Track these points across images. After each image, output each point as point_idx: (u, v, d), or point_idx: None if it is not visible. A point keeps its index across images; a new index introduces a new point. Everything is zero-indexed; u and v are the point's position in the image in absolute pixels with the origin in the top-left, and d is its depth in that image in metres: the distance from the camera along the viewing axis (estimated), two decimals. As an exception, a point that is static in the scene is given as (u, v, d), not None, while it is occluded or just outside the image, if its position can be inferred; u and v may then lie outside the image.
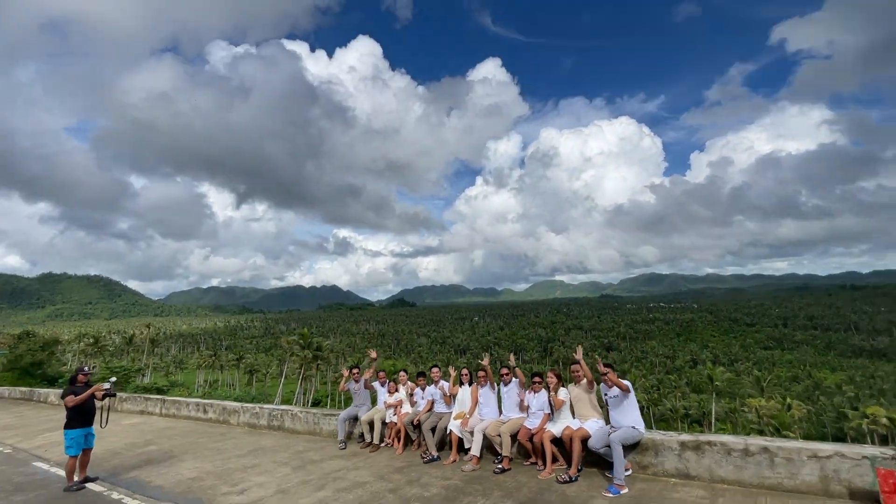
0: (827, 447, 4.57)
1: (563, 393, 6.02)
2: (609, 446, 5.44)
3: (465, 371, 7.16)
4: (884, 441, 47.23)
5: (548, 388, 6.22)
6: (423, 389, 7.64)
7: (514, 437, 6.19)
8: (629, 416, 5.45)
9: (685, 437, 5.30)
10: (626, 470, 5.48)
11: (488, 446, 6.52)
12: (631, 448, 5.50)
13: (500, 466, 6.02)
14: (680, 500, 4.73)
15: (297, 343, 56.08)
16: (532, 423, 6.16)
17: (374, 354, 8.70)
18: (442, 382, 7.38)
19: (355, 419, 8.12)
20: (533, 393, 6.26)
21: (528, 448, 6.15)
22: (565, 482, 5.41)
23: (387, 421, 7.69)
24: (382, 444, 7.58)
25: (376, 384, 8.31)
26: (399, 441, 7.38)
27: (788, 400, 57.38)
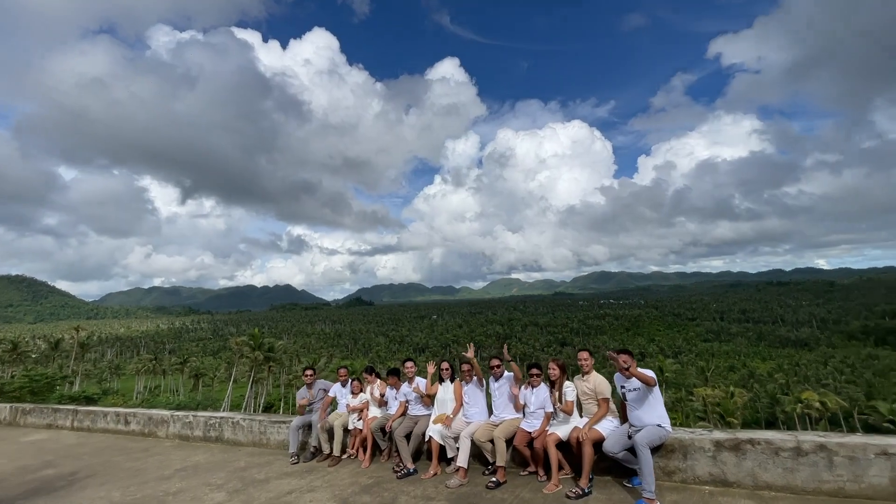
0: (889, 441, 3.81)
1: (569, 390, 4.97)
2: (629, 450, 4.48)
3: (445, 365, 5.97)
4: (817, 424, 50.70)
5: (550, 383, 5.17)
6: (395, 389, 6.40)
7: (509, 442, 5.09)
8: (654, 413, 4.48)
9: (720, 434, 4.40)
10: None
11: (477, 454, 5.39)
12: (654, 451, 4.55)
13: (493, 479, 4.89)
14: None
15: (247, 344, 52.57)
16: (531, 424, 5.09)
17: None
18: (418, 380, 6.17)
19: (310, 427, 6.75)
20: (531, 388, 5.19)
21: (525, 455, 5.06)
22: (578, 496, 4.37)
23: (349, 428, 6.38)
24: (345, 456, 6.26)
25: (335, 385, 7.00)
26: (365, 452, 6.10)
27: (731, 388, 60.57)
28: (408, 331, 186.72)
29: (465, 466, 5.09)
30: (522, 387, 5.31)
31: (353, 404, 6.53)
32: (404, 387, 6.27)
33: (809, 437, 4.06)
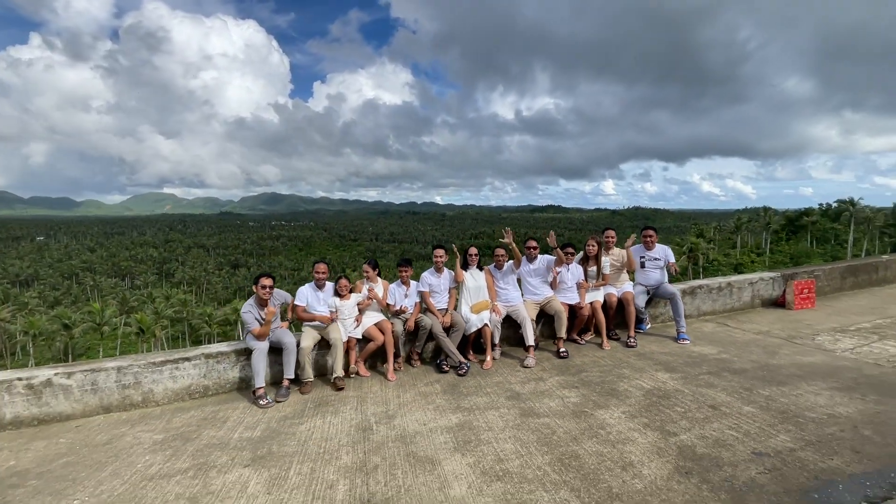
0: (755, 276, 6.60)
1: (607, 264, 5.58)
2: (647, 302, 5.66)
3: (474, 251, 5.28)
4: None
5: (585, 257, 5.60)
6: (404, 284, 5.10)
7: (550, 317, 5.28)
8: (664, 275, 5.77)
9: (681, 286, 6.20)
10: (647, 323, 5.89)
11: (504, 337, 5.31)
12: (649, 304, 5.93)
13: (563, 350, 5.04)
14: (707, 331, 5.63)
15: None
16: (568, 298, 5.43)
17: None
18: (446, 271, 5.19)
19: (279, 352, 4.51)
20: (566, 266, 5.46)
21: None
22: (634, 346, 5.24)
23: (342, 339, 4.70)
24: (343, 378, 4.63)
25: (305, 290, 4.86)
26: (390, 363, 4.74)
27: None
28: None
29: (535, 344, 4.96)
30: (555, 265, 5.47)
31: (345, 306, 4.78)
32: (430, 276, 5.13)
33: (724, 279, 6.43)
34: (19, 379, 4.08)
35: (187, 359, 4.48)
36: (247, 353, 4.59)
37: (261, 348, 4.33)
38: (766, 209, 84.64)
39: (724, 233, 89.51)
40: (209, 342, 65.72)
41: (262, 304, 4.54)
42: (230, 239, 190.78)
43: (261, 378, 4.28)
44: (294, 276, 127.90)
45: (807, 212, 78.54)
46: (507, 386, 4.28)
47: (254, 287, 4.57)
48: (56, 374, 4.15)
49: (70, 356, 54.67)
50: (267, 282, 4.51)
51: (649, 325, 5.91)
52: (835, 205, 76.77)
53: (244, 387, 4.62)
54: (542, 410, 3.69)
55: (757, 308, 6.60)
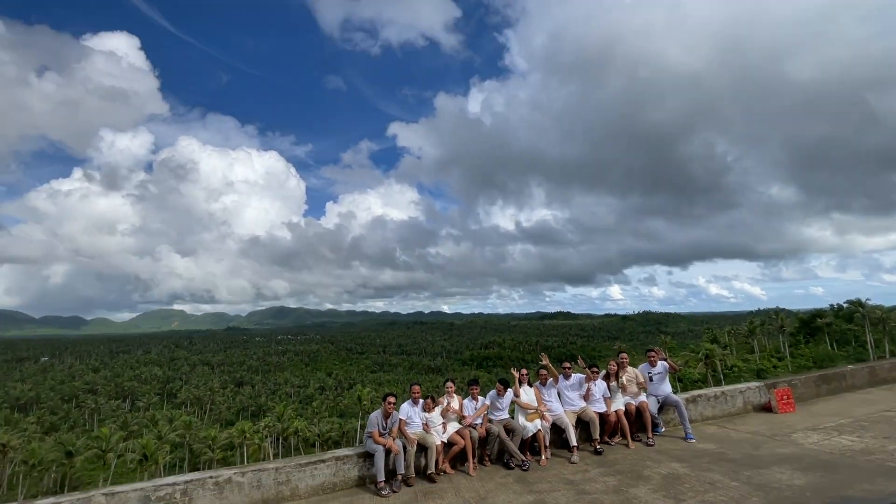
0: (743, 386, 8.27)
1: (623, 378, 7.38)
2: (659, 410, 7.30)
3: (524, 371, 7.14)
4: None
5: (606, 374, 7.40)
6: (474, 400, 6.87)
7: (583, 422, 6.93)
8: (669, 386, 7.50)
9: (685, 395, 7.86)
10: (662, 426, 7.44)
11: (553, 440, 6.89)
12: (660, 410, 7.56)
13: (598, 448, 6.60)
14: (709, 432, 7.16)
15: None
16: (597, 406, 7.11)
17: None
18: (508, 391, 7.02)
19: (386, 453, 6.13)
20: (593, 382, 7.24)
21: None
22: (653, 445, 6.78)
23: (436, 443, 6.34)
24: (438, 474, 6.16)
25: (405, 406, 6.63)
26: (462, 463, 6.30)
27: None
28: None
29: (577, 444, 6.55)
30: (585, 381, 7.25)
31: (433, 418, 6.50)
32: (495, 395, 6.92)
33: (719, 389, 8.10)
34: (210, 478, 5.70)
35: (323, 461, 6.10)
36: (365, 455, 6.21)
37: (381, 451, 5.98)
38: (777, 311, 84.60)
39: (738, 337, 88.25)
40: (209, 468, 62.21)
41: (387, 416, 6.29)
42: (236, 355, 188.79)
43: (382, 473, 5.85)
44: (300, 394, 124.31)
45: (819, 313, 77.95)
46: (562, 476, 5.82)
47: (382, 401, 6.36)
48: (235, 474, 5.77)
49: (66, 488, 51.72)
50: (392, 399, 6.33)
51: (664, 428, 7.45)
52: (846, 305, 76.66)
53: (362, 483, 6.14)
54: (591, 490, 5.24)
55: (749, 412, 8.13)
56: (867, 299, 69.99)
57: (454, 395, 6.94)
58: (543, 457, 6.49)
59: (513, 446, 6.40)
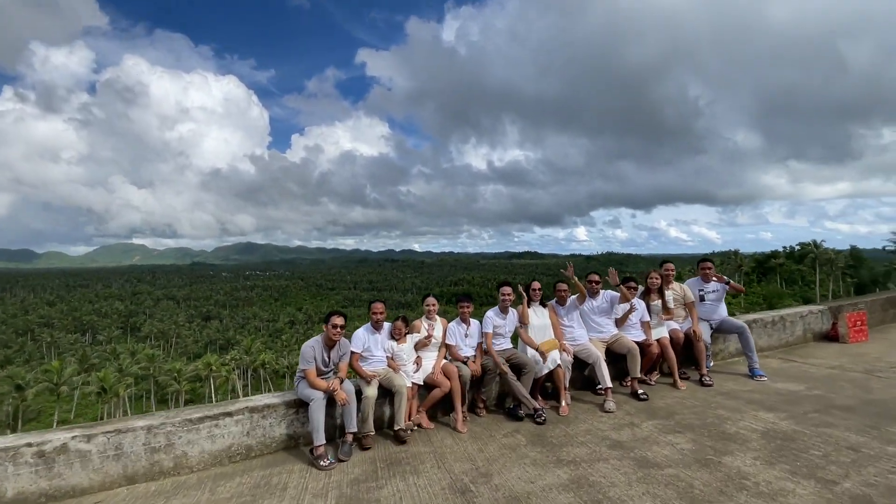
0: (803, 309, 6.44)
1: (672, 298, 5.32)
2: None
3: (537, 286, 4.94)
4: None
5: (646, 291, 5.32)
6: (464, 323, 4.67)
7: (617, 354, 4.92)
8: (725, 309, 5.54)
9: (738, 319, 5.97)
10: (710, 360, 5.57)
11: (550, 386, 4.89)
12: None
13: (641, 392, 4.64)
14: (775, 367, 5.35)
15: None
16: (633, 334, 5.08)
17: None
18: (511, 312, 4.82)
19: (334, 403, 3.92)
20: (631, 302, 5.15)
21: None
22: (711, 385, 4.89)
23: (406, 385, 4.18)
24: (409, 431, 4.06)
25: (361, 333, 4.37)
26: (459, 413, 4.21)
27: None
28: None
29: (611, 385, 4.54)
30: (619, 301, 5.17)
31: (403, 350, 4.30)
32: (494, 315, 4.72)
33: (776, 313, 6.24)
34: (28, 445, 3.38)
35: (229, 414, 3.86)
36: (297, 405, 4.01)
37: (319, 399, 3.77)
38: (736, 252, 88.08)
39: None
40: (177, 401, 61.19)
41: (330, 345, 4.03)
42: (202, 290, 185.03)
43: (321, 434, 3.69)
44: (269, 328, 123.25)
45: (774, 254, 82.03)
46: (601, 433, 3.82)
47: (323, 326, 4.06)
48: (74, 438, 3.47)
49: (20, 422, 49.75)
50: (339, 321, 4.02)
51: (712, 363, 5.59)
52: (798, 248, 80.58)
53: (292, 445, 3.99)
54: (659, 460, 3.24)
55: (810, 342, 6.40)
56: (822, 241, 73.42)
57: (437, 317, 4.70)
58: (564, 402, 4.48)
59: (522, 389, 4.32)
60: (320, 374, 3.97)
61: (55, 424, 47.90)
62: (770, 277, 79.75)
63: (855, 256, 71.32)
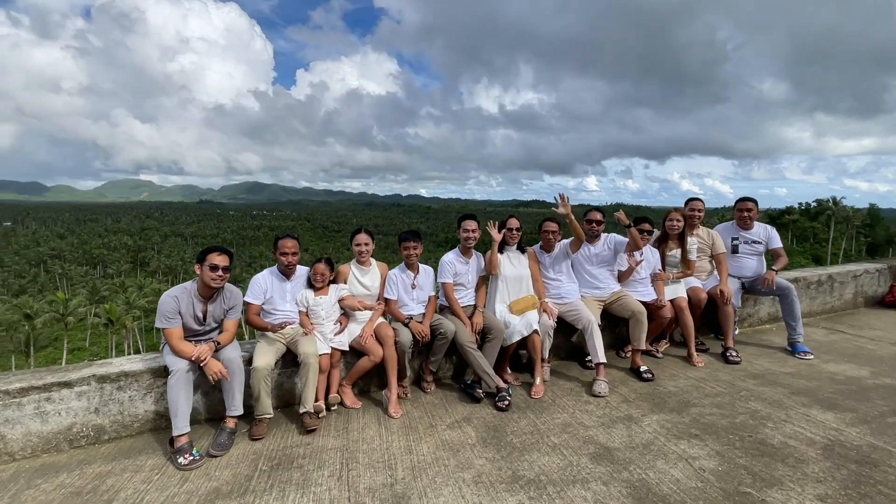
0: (857, 267, 5.15)
1: (694, 248, 3.99)
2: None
3: (516, 224, 3.65)
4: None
5: (679, 238, 4.00)
6: (410, 270, 3.45)
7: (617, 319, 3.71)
8: (763, 264, 4.25)
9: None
10: (736, 327, 4.37)
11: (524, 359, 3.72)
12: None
13: (644, 369, 3.48)
14: (819, 339, 4.14)
15: None
16: (641, 292, 3.85)
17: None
18: (475, 255, 3.57)
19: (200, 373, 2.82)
20: (639, 252, 3.86)
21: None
22: (738, 362, 3.72)
23: (317, 354, 3.05)
24: (319, 415, 2.99)
25: (262, 278, 3.19)
26: (393, 389, 3.11)
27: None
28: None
29: (605, 361, 3.37)
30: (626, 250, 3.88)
31: (321, 305, 3.13)
32: (454, 258, 3.50)
33: (824, 271, 4.95)
34: None
35: (67, 384, 2.77)
36: (166, 373, 2.90)
37: (181, 370, 2.63)
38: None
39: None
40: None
41: (206, 295, 2.85)
42: (209, 228, 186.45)
43: (183, 419, 2.59)
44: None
45: (788, 210, 79.74)
46: (584, 432, 2.70)
47: (196, 267, 2.87)
48: None
49: (32, 348, 51.50)
50: (220, 260, 2.81)
51: (738, 331, 4.39)
52: (815, 204, 77.96)
53: (163, 426, 2.94)
54: (665, 489, 2.11)
55: (861, 308, 5.16)
56: (842, 198, 70.72)
57: (372, 261, 3.47)
58: (539, 379, 3.33)
59: (482, 361, 3.17)
60: (193, 335, 2.82)
61: (65, 353, 49.60)
62: (781, 234, 78.30)
63: (873, 215, 69.13)
